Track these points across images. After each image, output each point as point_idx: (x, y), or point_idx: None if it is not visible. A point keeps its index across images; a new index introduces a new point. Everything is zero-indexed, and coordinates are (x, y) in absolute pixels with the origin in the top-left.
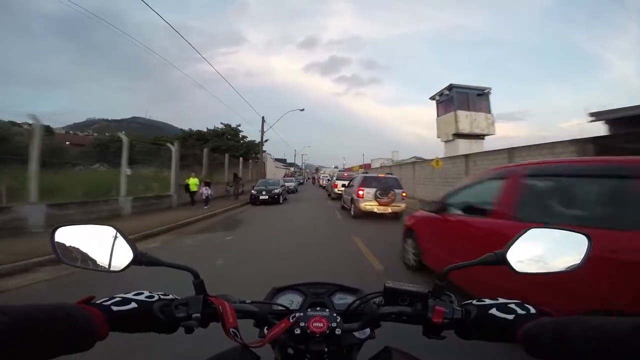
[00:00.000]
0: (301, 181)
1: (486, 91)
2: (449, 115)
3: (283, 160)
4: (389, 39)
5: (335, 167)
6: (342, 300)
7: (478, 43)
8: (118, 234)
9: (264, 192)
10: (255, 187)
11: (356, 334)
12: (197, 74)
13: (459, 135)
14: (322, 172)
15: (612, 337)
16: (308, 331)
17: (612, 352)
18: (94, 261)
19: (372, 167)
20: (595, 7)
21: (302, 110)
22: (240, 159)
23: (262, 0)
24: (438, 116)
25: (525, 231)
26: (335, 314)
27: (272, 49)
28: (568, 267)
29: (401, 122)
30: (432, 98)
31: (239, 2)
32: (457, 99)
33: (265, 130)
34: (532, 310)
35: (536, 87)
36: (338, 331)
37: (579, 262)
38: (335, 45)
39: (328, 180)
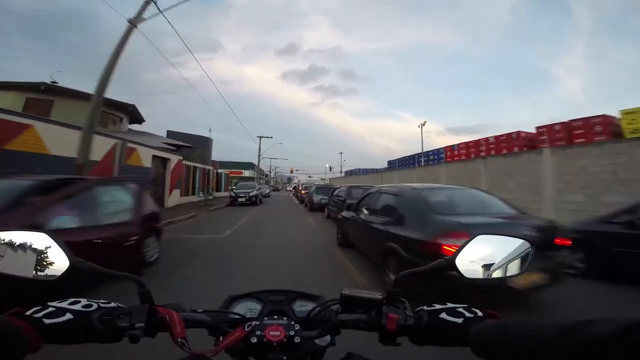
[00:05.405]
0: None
1: None
2: None
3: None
4: (367, 56)
5: (310, 177)
6: (302, 307)
7: (444, 60)
8: (51, 241)
9: None
10: None
11: (317, 341)
12: (172, 80)
13: None
14: (296, 180)
15: (545, 338)
16: (264, 340)
17: (545, 352)
18: (27, 269)
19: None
20: (546, 27)
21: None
22: None
23: (241, 12)
24: None
25: (473, 238)
26: (293, 322)
27: (248, 62)
28: (511, 273)
29: (374, 134)
30: None
31: (219, 14)
32: None
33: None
34: (480, 314)
35: (496, 101)
36: (297, 339)
37: (521, 266)
38: (314, 55)
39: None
